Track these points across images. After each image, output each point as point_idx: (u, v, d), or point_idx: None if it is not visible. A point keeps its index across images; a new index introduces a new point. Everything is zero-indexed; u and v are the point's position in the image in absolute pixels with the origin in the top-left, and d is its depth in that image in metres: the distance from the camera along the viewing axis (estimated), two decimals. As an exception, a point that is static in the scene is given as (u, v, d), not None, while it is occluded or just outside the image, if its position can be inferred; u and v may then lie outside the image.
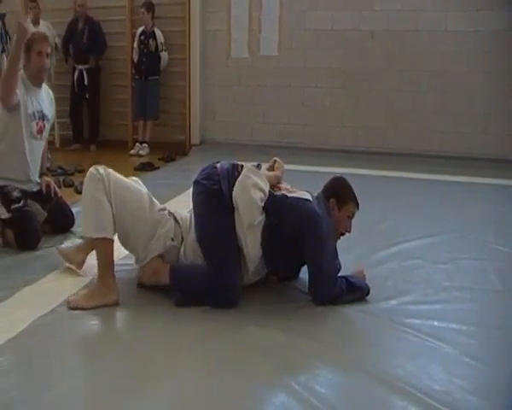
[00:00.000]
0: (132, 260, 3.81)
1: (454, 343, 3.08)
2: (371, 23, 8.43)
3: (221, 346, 3.00)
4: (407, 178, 7.10)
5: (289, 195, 3.60)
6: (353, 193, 3.70)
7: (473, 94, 8.18)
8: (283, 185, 3.74)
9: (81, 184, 6.17)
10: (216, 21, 9.10)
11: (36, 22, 8.73)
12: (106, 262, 3.48)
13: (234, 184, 3.51)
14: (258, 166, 3.71)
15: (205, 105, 9.37)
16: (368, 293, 3.60)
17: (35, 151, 4.60)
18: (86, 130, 9.44)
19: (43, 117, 4.59)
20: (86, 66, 9.03)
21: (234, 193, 3.47)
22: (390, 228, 5.08)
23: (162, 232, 3.61)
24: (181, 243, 3.66)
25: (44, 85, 4.72)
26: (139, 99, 9.14)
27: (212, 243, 3.52)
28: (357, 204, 3.70)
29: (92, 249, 3.77)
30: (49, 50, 4.47)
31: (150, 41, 8.93)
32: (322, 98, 8.78)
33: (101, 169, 3.56)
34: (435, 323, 3.30)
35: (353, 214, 3.70)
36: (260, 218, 3.48)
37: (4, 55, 7.65)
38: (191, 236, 3.63)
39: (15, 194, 4.43)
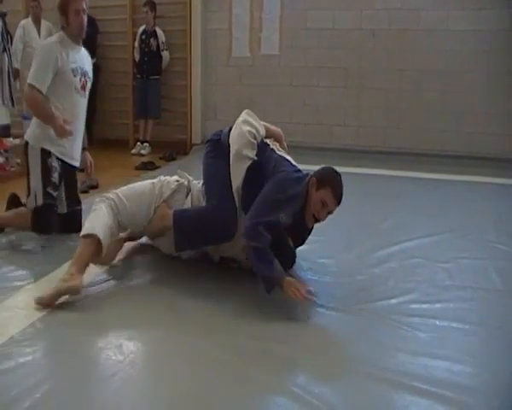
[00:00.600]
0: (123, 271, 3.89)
1: (455, 342, 3.08)
2: (372, 22, 8.43)
3: (219, 349, 2.98)
4: (408, 177, 7.10)
5: (278, 152, 3.82)
6: (337, 185, 3.62)
7: (474, 93, 8.17)
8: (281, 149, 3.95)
9: (82, 183, 6.23)
10: (217, 20, 9.11)
11: (37, 21, 8.74)
12: (79, 258, 3.55)
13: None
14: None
15: (206, 104, 9.38)
16: (269, 288, 3.39)
17: (80, 108, 4.64)
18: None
19: (84, 74, 4.62)
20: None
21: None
22: (391, 227, 5.08)
23: (168, 180, 4.04)
24: (187, 195, 3.97)
25: (83, 49, 4.74)
26: (141, 98, 9.15)
27: (210, 182, 3.83)
28: (338, 197, 3.60)
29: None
30: (85, 6, 4.49)
31: (152, 40, 8.94)
32: (324, 97, 8.78)
33: (107, 194, 3.90)
34: (436, 322, 3.30)
35: (328, 204, 3.57)
36: (249, 153, 3.71)
37: (5, 55, 7.62)
38: (198, 187, 3.98)
39: (55, 176, 4.51)
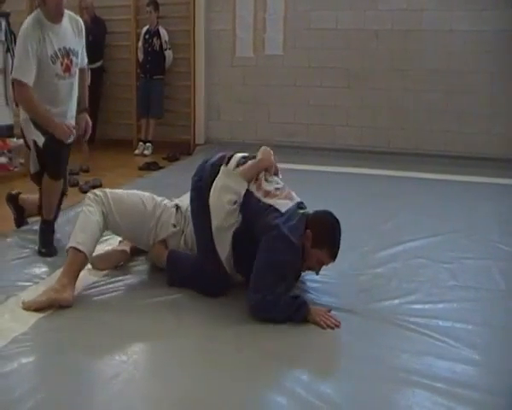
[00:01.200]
0: (127, 273, 3.92)
1: (458, 342, 3.08)
2: (376, 23, 8.42)
3: (221, 350, 3.00)
4: (411, 177, 7.09)
5: (263, 200, 3.47)
6: (334, 244, 3.43)
7: (477, 94, 8.17)
8: (266, 187, 3.55)
9: (86, 183, 6.24)
10: (221, 21, 9.10)
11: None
12: (70, 269, 3.54)
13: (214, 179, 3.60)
14: (246, 158, 3.67)
15: (209, 104, 9.38)
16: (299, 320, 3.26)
17: (65, 91, 4.42)
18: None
19: (67, 53, 4.35)
20: (91, 65, 9.03)
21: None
22: (394, 227, 5.07)
23: (165, 219, 3.88)
24: (182, 233, 3.90)
25: (69, 14, 4.45)
26: (143, 98, 9.14)
27: (196, 236, 3.70)
28: (334, 255, 3.45)
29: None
30: None
31: (155, 40, 8.94)
32: (327, 98, 8.78)
33: (98, 191, 3.84)
34: (440, 322, 3.30)
35: (323, 262, 3.46)
36: (232, 221, 3.47)
37: (9, 55, 7.63)
38: (190, 226, 3.82)
39: None
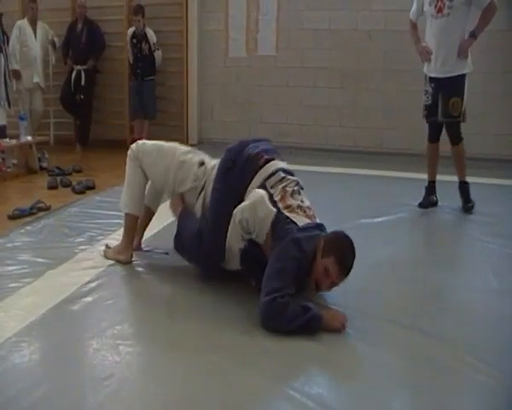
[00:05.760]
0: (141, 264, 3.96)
1: (451, 343, 3.08)
2: (369, 23, 8.45)
3: (216, 351, 2.97)
4: (405, 177, 7.09)
5: (283, 211, 3.43)
6: (343, 254, 3.31)
7: (470, 94, 8.17)
8: (289, 201, 3.51)
9: (78, 184, 6.23)
10: (214, 21, 9.12)
11: (33, 22, 8.75)
12: (127, 230, 4.14)
13: (246, 174, 3.60)
14: (276, 173, 3.60)
15: (202, 105, 9.38)
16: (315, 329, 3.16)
17: (435, 31, 5.42)
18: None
19: None
20: (84, 66, 9.03)
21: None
22: (388, 227, 5.08)
23: (183, 176, 3.96)
24: (202, 190, 3.89)
25: None
26: (136, 99, 9.14)
27: (211, 207, 3.67)
28: (343, 267, 3.30)
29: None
30: None
31: (143, 44, 8.89)
32: (320, 98, 8.79)
33: (134, 145, 4.22)
34: (432, 322, 3.30)
35: (331, 272, 3.28)
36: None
37: (1, 56, 7.62)
38: (211, 187, 3.76)
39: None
